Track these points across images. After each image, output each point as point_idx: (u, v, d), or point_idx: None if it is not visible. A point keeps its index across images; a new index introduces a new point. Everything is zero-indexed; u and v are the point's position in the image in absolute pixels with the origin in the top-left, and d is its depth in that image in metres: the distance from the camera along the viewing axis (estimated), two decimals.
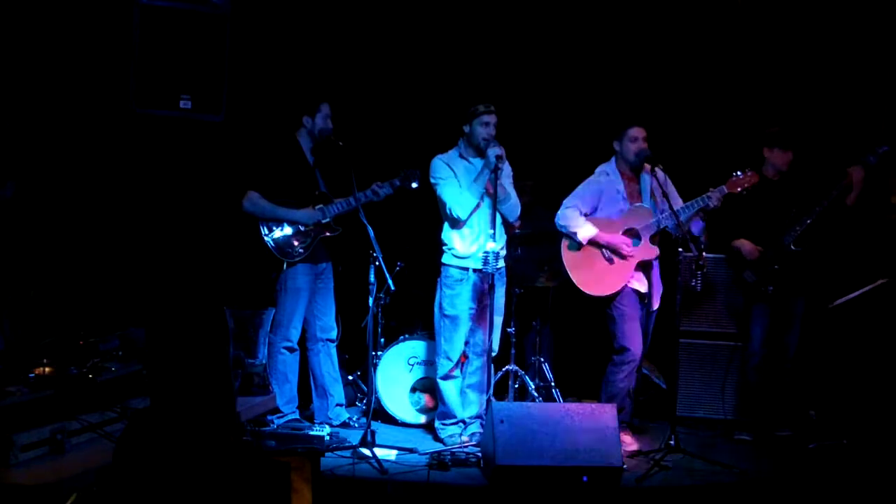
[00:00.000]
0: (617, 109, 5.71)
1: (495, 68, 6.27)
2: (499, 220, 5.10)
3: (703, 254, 4.81)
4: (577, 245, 5.18)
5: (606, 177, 5.24)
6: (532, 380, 5.77)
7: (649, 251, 5.13)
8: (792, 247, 5.16)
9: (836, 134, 5.80)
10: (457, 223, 5.10)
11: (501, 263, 5.17)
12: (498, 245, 5.03)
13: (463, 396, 5.25)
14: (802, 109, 5.90)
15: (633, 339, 5.11)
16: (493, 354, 5.06)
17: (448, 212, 5.08)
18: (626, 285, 5.13)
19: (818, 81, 5.94)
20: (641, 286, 5.18)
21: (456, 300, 5.12)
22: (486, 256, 4.94)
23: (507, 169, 5.18)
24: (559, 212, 5.19)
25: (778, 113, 5.77)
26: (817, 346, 5.42)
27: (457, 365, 5.20)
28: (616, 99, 6.10)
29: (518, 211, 5.22)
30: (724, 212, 5.06)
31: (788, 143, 5.23)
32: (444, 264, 5.18)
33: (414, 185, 5.12)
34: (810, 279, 5.26)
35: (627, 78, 6.22)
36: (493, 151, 4.93)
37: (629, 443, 5.05)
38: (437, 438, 5.23)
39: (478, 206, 5.07)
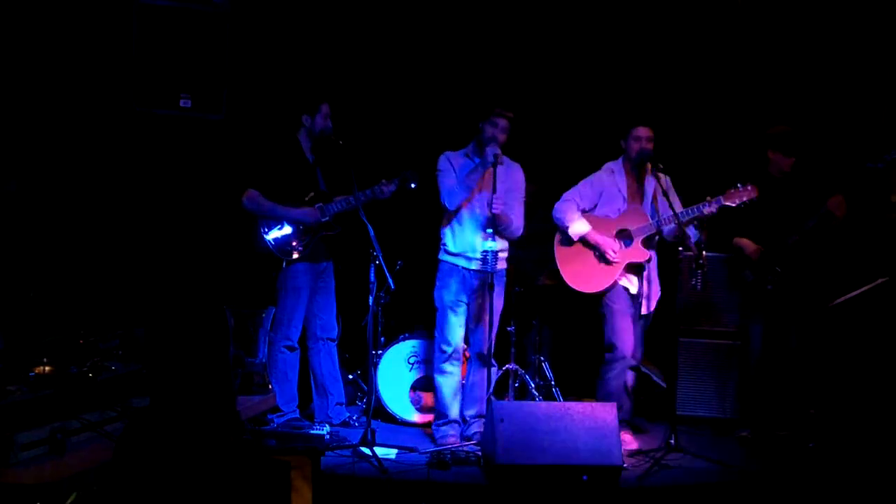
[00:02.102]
0: (619, 114, 5.71)
1: (498, 70, 6.26)
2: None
3: (703, 253, 4.81)
4: (568, 240, 5.19)
5: (610, 174, 5.25)
6: (532, 379, 5.77)
7: (640, 253, 5.13)
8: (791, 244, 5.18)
9: (840, 133, 5.80)
10: (448, 214, 5.14)
11: (501, 266, 5.17)
12: (498, 245, 5.02)
13: (462, 394, 5.26)
14: (806, 109, 5.89)
15: (623, 336, 5.11)
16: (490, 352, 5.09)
17: (441, 201, 5.11)
18: (616, 282, 5.14)
19: (822, 81, 5.93)
20: (632, 286, 5.18)
21: (444, 292, 5.16)
22: (486, 255, 4.95)
23: (518, 181, 5.19)
24: (557, 203, 5.22)
25: (782, 113, 5.77)
26: (817, 345, 5.42)
27: (449, 358, 5.19)
28: (619, 103, 6.09)
29: (519, 234, 5.19)
30: (727, 209, 5.06)
31: (791, 150, 5.23)
32: (439, 259, 5.23)
33: (412, 185, 5.13)
34: (810, 278, 5.26)
35: (630, 82, 6.21)
36: (492, 150, 4.95)
37: (629, 441, 5.05)
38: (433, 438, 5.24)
39: (468, 201, 5.07)
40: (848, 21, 5.85)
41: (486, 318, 5.01)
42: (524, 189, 5.24)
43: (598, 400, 5.13)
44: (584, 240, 5.16)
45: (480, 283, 5.09)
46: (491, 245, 4.95)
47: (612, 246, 5.10)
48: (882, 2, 5.82)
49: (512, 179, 5.18)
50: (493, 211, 4.89)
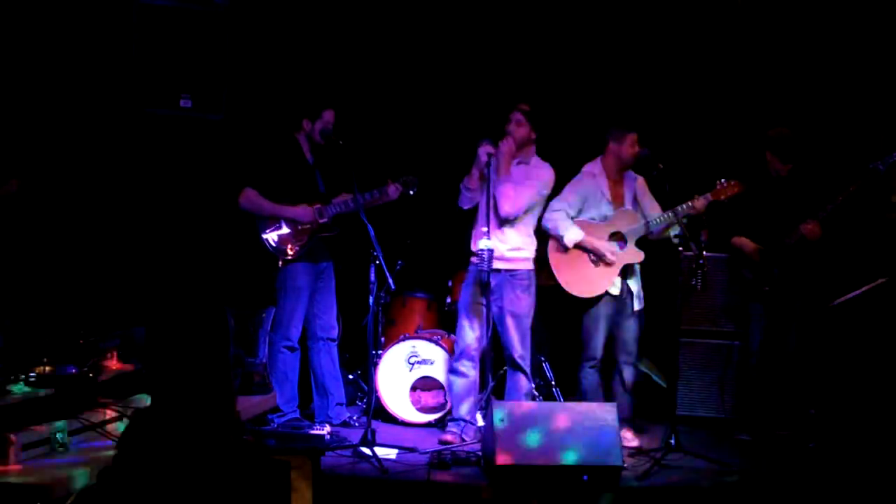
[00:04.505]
0: (612, 110, 5.71)
1: (495, 65, 6.26)
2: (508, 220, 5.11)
3: (704, 253, 4.81)
4: (563, 246, 5.16)
5: (592, 178, 5.23)
6: (532, 379, 5.76)
7: (635, 255, 5.13)
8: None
9: (840, 133, 5.79)
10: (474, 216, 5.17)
11: (510, 265, 5.11)
12: (495, 243, 4.96)
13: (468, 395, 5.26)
14: (805, 109, 5.88)
15: (594, 336, 5.16)
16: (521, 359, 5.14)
17: None
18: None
19: (822, 81, 5.93)
20: (613, 288, 5.15)
21: (464, 294, 5.18)
22: (482, 254, 4.94)
23: (542, 177, 5.12)
24: (546, 213, 5.17)
25: (782, 113, 5.77)
26: (817, 345, 5.43)
27: (459, 357, 5.18)
28: (612, 100, 6.09)
29: (511, 212, 5.03)
30: (726, 209, 5.07)
31: (788, 155, 5.23)
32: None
33: (412, 191, 5.14)
34: (809, 278, 5.26)
35: (624, 79, 6.21)
36: (484, 150, 4.94)
37: (630, 439, 5.05)
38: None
39: (478, 203, 5.08)
40: (848, 21, 5.84)
41: (485, 318, 5.00)
42: (549, 185, 5.13)
43: (576, 399, 5.15)
44: (579, 245, 5.14)
45: (494, 281, 5.05)
46: (486, 243, 4.93)
47: (609, 249, 5.10)
48: (882, 2, 5.81)
49: (537, 175, 5.12)
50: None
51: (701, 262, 4.79)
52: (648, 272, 5.30)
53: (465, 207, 5.16)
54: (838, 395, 5.35)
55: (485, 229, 4.92)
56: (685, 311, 5.56)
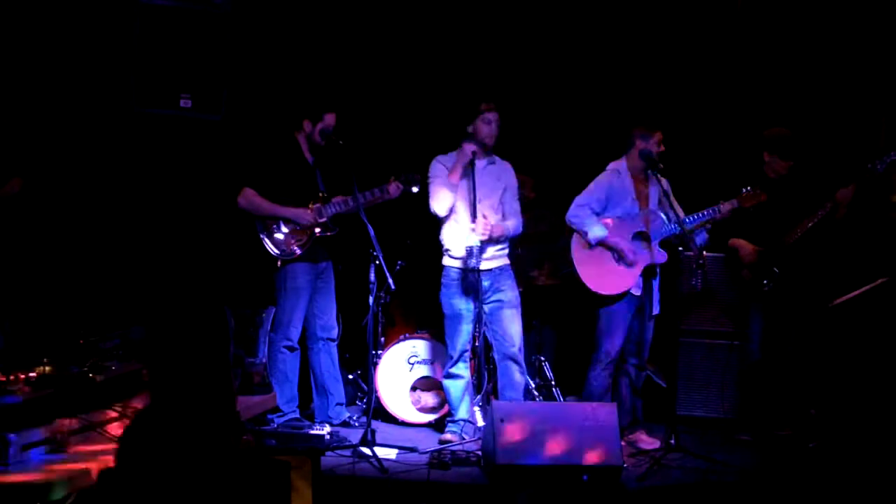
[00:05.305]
0: (620, 108, 5.71)
1: (496, 66, 6.26)
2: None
3: (704, 253, 4.81)
4: (589, 242, 5.15)
5: (618, 175, 5.19)
6: (532, 379, 5.77)
7: (658, 255, 5.10)
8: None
9: (839, 134, 5.79)
10: (440, 220, 5.13)
11: (500, 262, 5.14)
12: (478, 240, 4.96)
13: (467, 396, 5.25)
14: (805, 111, 5.88)
15: (614, 338, 5.10)
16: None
17: (430, 209, 5.10)
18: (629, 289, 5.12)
19: (821, 83, 5.93)
20: (636, 288, 5.15)
21: (452, 299, 5.12)
22: (470, 250, 4.93)
23: (513, 179, 5.20)
24: (571, 209, 5.15)
25: (780, 115, 5.76)
26: (817, 345, 5.43)
27: (456, 362, 5.18)
28: (618, 97, 6.09)
29: (519, 231, 5.22)
30: (738, 211, 5.05)
31: (788, 154, 5.23)
32: (444, 265, 5.18)
33: (414, 189, 5.12)
34: (808, 278, 5.26)
35: (627, 77, 6.21)
36: (469, 147, 4.97)
37: (648, 441, 5.05)
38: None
39: (456, 201, 5.07)
40: (847, 22, 5.84)
41: (477, 317, 5.00)
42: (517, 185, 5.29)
43: (583, 399, 5.13)
44: (602, 243, 5.13)
45: (485, 281, 5.04)
46: (474, 239, 4.92)
47: (631, 249, 5.07)
48: (881, 2, 5.81)
49: (508, 178, 5.20)
50: (481, 238, 4.91)
51: (701, 262, 4.79)
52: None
53: (442, 214, 5.08)
54: (838, 395, 5.35)
55: (472, 226, 4.93)
56: (685, 311, 5.56)
